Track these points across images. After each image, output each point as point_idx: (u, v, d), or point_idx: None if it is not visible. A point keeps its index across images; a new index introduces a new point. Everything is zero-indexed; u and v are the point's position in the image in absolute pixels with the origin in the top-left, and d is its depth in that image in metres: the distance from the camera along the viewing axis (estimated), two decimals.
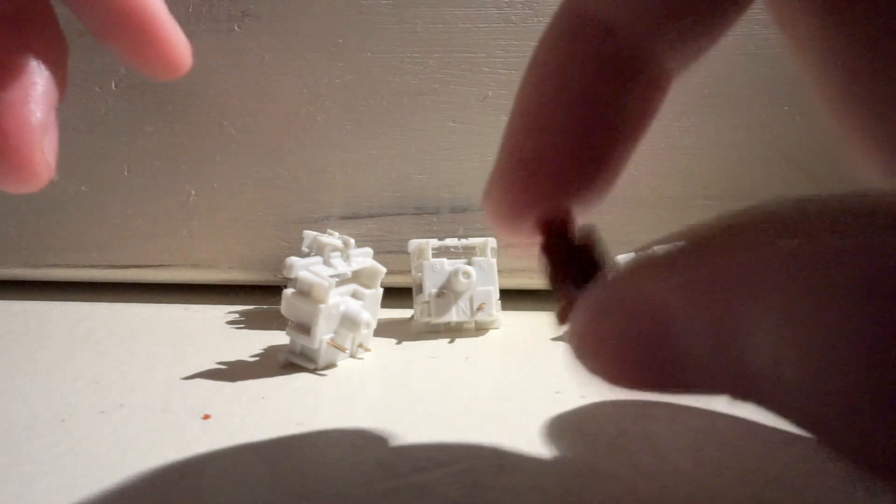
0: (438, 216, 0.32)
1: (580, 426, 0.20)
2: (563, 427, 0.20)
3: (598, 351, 0.13)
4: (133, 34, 0.19)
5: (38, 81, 0.17)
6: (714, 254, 0.12)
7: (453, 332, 0.29)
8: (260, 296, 0.33)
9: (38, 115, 0.17)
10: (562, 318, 0.16)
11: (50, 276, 0.34)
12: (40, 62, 0.17)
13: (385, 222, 0.32)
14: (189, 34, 0.31)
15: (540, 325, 0.30)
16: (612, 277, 0.13)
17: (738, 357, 0.11)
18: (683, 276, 0.12)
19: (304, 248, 0.29)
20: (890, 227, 0.10)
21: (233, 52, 0.32)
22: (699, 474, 0.17)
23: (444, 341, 0.28)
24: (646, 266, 0.13)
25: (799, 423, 0.11)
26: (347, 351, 0.26)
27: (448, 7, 0.31)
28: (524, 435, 0.20)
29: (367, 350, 0.26)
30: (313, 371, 0.25)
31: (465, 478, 0.17)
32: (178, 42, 0.20)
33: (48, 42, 0.18)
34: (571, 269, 0.16)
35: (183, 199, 0.33)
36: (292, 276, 0.24)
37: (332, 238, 0.28)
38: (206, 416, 0.21)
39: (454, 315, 0.28)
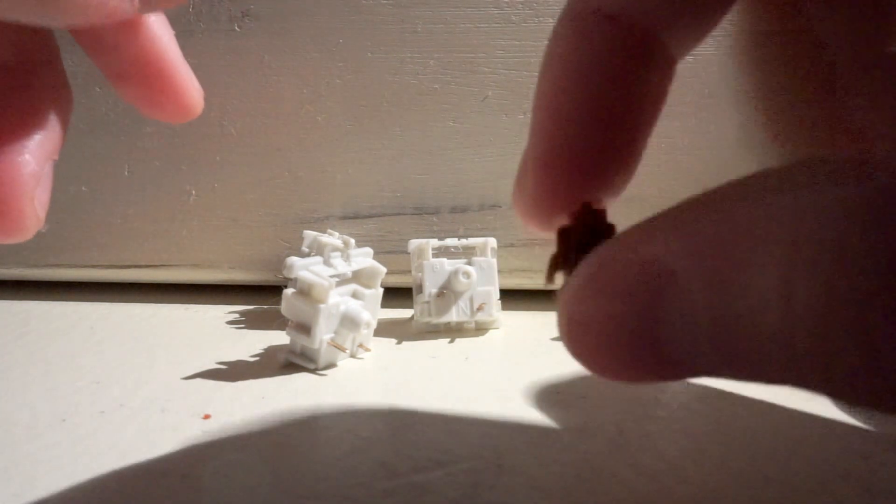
0: (438, 216, 0.32)
1: (580, 426, 0.20)
2: (563, 427, 0.20)
3: (587, 331, 0.13)
4: (150, 81, 0.19)
5: (35, 132, 0.17)
6: (717, 209, 0.11)
7: (453, 332, 0.29)
8: (260, 296, 0.33)
9: (32, 166, 0.17)
10: (550, 273, 0.15)
11: (50, 276, 0.34)
12: (41, 112, 0.17)
13: (385, 222, 0.32)
14: (189, 34, 0.31)
15: (540, 325, 0.30)
16: (608, 243, 0.13)
17: (744, 320, 0.10)
18: (685, 233, 0.11)
19: (304, 248, 0.29)
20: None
21: (233, 52, 0.32)
22: (699, 474, 0.17)
23: (444, 341, 0.28)
24: (644, 228, 0.12)
25: (809, 382, 0.10)
26: (347, 351, 0.26)
27: (448, 7, 0.31)
28: (524, 435, 0.20)
29: (367, 350, 0.26)
30: (313, 371, 0.25)
31: (465, 478, 0.17)
32: (192, 88, 0.20)
33: (52, 93, 0.18)
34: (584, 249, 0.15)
35: (183, 199, 0.33)
36: (292, 276, 0.24)
37: (332, 238, 0.28)
38: (207, 416, 0.21)
39: (454, 315, 0.28)
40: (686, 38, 0.16)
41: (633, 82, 0.16)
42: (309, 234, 0.30)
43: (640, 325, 0.12)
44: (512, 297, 0.31)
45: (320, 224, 0.32)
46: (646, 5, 0.15)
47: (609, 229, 0.16)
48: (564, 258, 0.16)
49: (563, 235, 0.16)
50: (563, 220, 0.16)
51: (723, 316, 0.11)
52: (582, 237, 0.15)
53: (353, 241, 0.28)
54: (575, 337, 0.13)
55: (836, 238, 0.09)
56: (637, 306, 0.12)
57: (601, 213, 0.16)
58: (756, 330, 0.10)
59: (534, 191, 0.16)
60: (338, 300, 0.25)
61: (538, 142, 0.16)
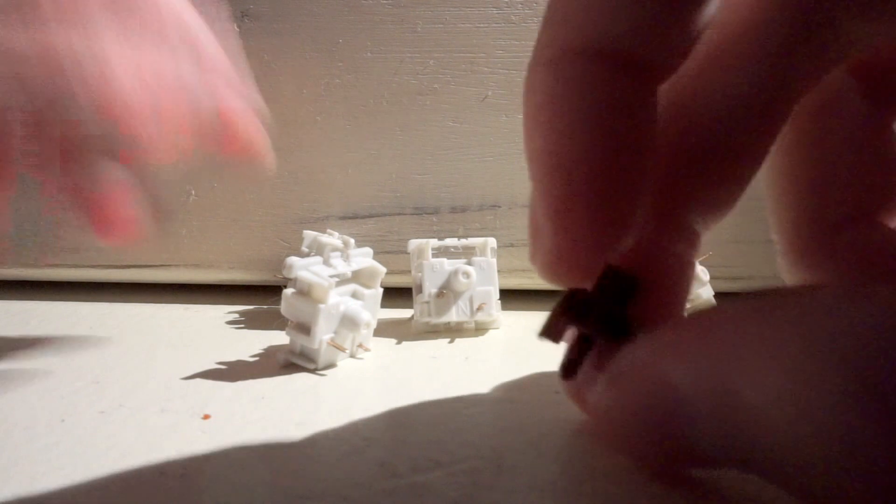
0: (438, 216, 0.32)
1: (580, 426, 0.20)
2: (563, 427, 0.20)
3: (616, 429, 0.15)
4: (90, 207, 0.20)
5: None
6: (716, 335, 0.13)
7: (453, 332, 0.29)
8: (260, 296, 0.33)
9: None
10: (568, 372, 0.18)
11: (50, 276, 0.34)
12: None
13: (385, 222, 0.32)
14: None
15: (540, 325, 0.30)
16: (623, 358, 0.15)
17: (740, 423, 0.12)
18: (688, 357, 0.13)
19: (304, 248, 0.29)
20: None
21: None
22: (699, 474, 0.17)
23: (444, 341, 0.28)
24: (653, 347, 0.14)
25: (794, 488, 0.12)
26: (347, 351, 0.26)
27: (448, 7, 0.31)
28: (524, 435, 0.20)
29: (367, 350, 0.26)
30: (313, 371, 0.25)
31: (465, 478, 0.17)
32: (131, 219, 0.20)
33: None
34: (602, 325, 0.17)
35: (183, 199, 0.33)
36: (292, 276, 0.24)
37: (332, 238, 0.28)
38: (206, 416, 0.21)
39: (454, 315, 0.28)
40: (671, 58, 0.15)
41: (631, 116, 0.15)
42: (309, 234, 0.30)
43: (656, 430, 0.14)
44: (512, 297, 0.31)
45: (320, 224, 0.32)
46: (632, 34, 0.15)
47: (633, 287, 0.17)
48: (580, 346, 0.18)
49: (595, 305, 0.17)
50: (587, 284, 0.17)
51: (724, 427, 0.12)
52: (605, 305, 0.17)
53: (352, 241, 0.28)
54: (604, 433, 0.16)
55: (813, 371, 0.11)
56: (651, 415, 0.14)
57: (624, 275, 0.17)
58: (754, 443, 0.12)
59: (554, 248, 0.16)
60: (338, 300, 0.25)
61: (549, 197, 0.15)
